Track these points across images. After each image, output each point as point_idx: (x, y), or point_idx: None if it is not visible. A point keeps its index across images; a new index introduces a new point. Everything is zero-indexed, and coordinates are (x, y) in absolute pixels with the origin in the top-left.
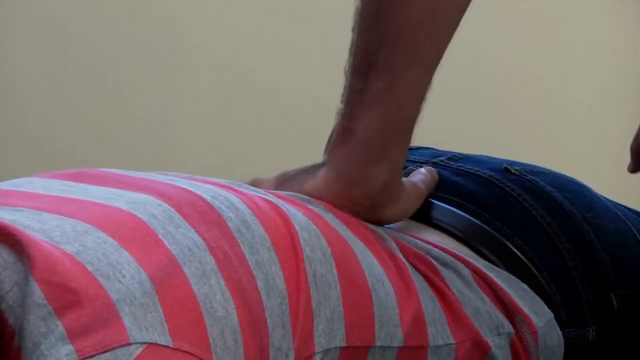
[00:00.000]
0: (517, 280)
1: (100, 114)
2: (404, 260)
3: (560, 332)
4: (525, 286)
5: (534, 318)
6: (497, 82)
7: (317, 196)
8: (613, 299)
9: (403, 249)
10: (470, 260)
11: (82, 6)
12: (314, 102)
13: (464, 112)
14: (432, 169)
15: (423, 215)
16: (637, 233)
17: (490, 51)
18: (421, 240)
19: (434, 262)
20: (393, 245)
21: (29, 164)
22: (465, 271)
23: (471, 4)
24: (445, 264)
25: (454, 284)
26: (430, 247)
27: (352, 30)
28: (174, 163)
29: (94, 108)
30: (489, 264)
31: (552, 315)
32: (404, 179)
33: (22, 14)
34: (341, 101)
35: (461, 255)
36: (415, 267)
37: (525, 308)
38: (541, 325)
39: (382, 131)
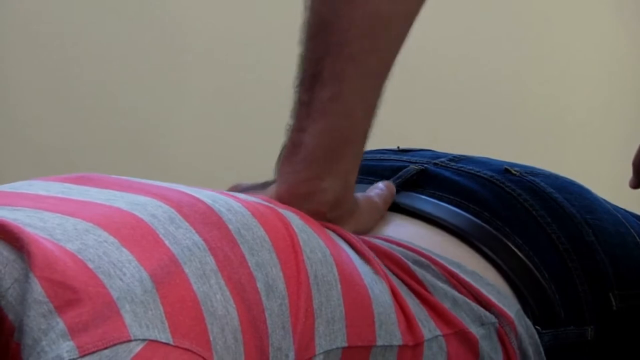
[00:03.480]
0: (480, 275)
1: (99, 117)
2: (377, 260)
3: (530, 323)
4: (490, 280)
5: (506, 310)
6: (497, 84)
7: None
8: (612, 298)
9: (372, 248)
10: (436, 257)
11: (82, 8)
12: None
13: (463, 116)
14: (390, 183)
15: (423, 213)
16: (636, 235)
17: (489, 54)
18: (386, 240)
19: (403, 258)
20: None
21: (27, 168)
22: (433, 268)
23: (471, 6)
24: (413, 262)
25: (426, 279)
26: (394, 246)
27: (299, 43)
28: (174, 166)
29: (93, 111)
30: (454, 260)
31: (519, 306)
32: (359, 194)
33: (21, 16)
34: (290, 115)
35: (427, 253)
36: (386, 265)
37: (495, 301)
38: (513, 316)
39: (328, 143)
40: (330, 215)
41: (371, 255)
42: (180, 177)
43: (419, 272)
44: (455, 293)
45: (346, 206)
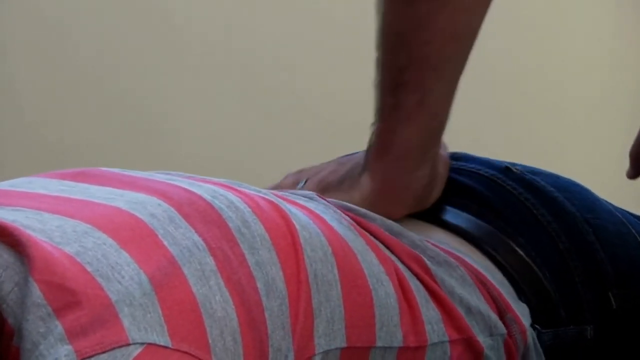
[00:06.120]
0: (508, 284)
1: (101, 114)
2: (395, 260)
3: (536, 339)
4: (512, 291)
5: (522, 318)
6: (496, 84)
7: (366, 206)
8: (611, 298)
9: (397, 248)
10: (467, 259)
11: (88, 4)
12: (315, 101)
13: (462, 116)
14: None
15: (430, 215)
16: (637, 235)
17: (488, 52)
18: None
19: (426, 261)
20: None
21: (30, 164)
22: (461, 270)
23: None
24: (439, 263)
25: (446, 283)
26: (427, 245)
27: (376, 48)
28: (177, 163)
29: (95, 108)
30: (485, 263)
31: (531, 321)
32: None
33: (22, 15)
34: (375, 115)
35: (458, 254)
36: (407, 266)
37: (514, 308)
38: (527, 327)
39: (421, 141)
40: (423, 195)
41: (387, 255)
42: (187, 172)
43: (440, 274)
44: (472, 302)
45: (434, 181)
